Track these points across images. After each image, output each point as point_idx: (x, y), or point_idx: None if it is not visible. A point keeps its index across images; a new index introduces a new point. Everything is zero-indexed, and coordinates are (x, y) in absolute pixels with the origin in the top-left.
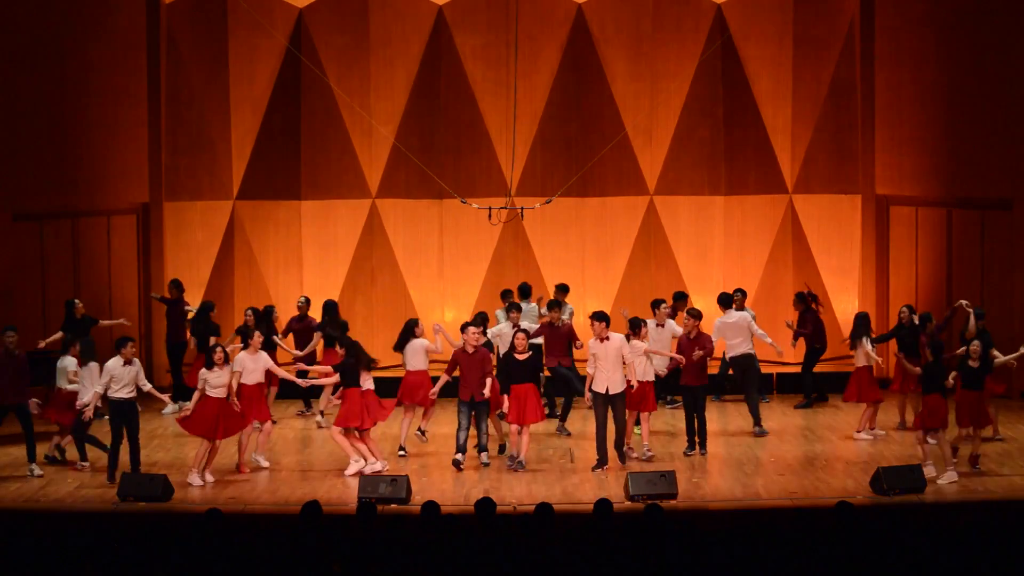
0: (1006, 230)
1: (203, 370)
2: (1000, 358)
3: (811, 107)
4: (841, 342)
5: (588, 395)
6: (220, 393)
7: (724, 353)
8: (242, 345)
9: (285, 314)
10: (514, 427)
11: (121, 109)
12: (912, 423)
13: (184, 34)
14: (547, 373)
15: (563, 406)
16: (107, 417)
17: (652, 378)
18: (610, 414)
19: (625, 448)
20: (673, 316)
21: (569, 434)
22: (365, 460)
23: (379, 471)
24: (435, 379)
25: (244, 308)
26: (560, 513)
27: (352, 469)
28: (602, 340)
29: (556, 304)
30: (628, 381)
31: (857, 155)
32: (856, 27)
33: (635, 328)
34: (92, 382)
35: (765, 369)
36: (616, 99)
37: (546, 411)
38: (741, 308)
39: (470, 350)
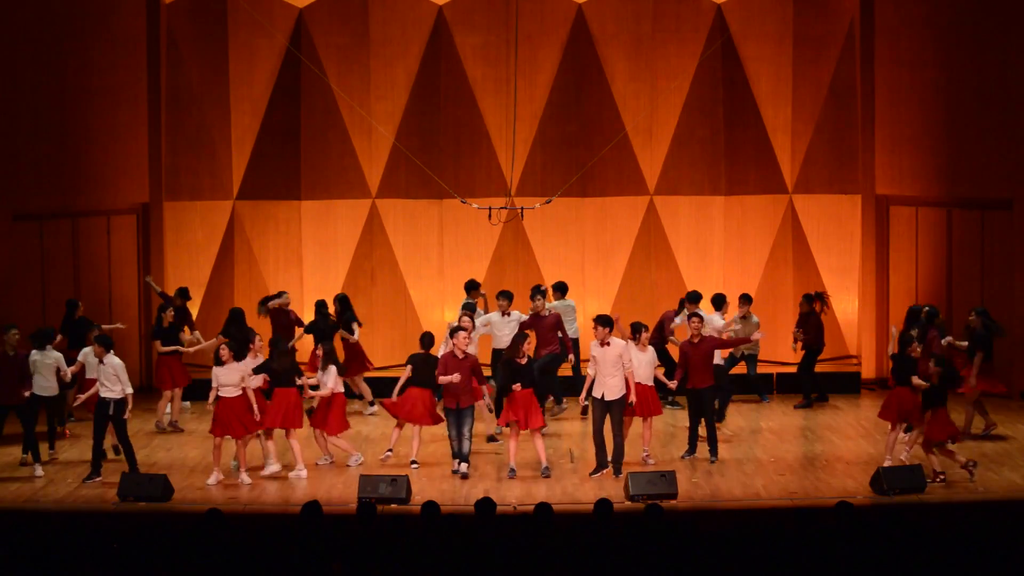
0: (1006, 230)
1: (214, 368)
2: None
3: (811, 107)
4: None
5: (582, 398)
6: (229, 392)
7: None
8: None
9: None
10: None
11: (121, 109)
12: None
13: (184, 34)
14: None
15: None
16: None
17: (652, 382)
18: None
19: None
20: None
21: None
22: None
23: (276, 472)
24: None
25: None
26: (560, 513)
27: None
28: (603, 344)
29: (538, 292)
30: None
31: (857, 155)
32: (856, 27)
33: (635, 333)
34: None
35: (766, 369)
36: (616, 99)
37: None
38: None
39: (459, 355)
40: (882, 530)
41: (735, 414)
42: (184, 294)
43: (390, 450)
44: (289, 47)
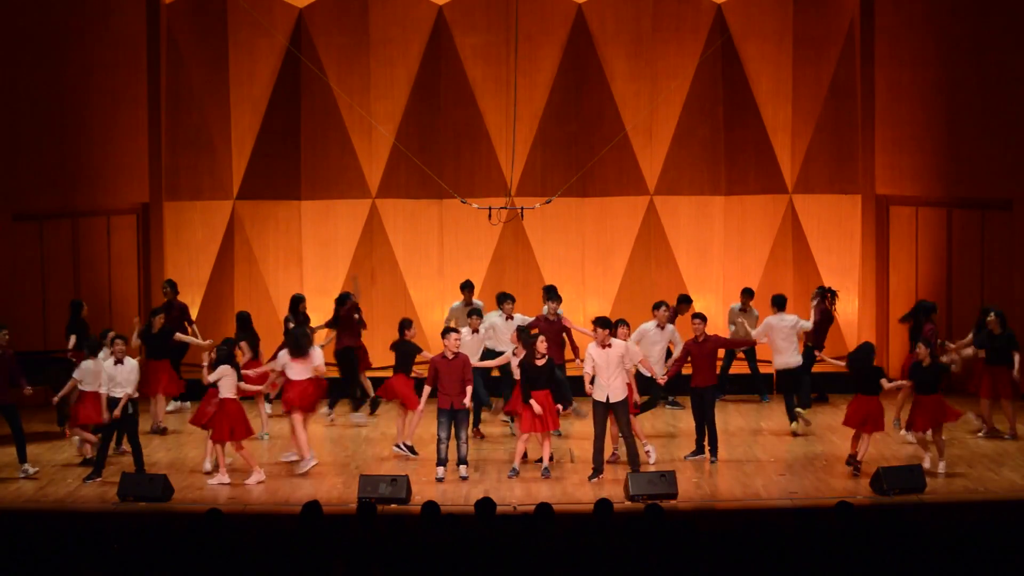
0: (1006, 230)
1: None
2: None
3: (811, 107)
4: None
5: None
6: (225, 392)
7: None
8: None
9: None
10: (523, 435)
11: (121, 109)
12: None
13: (184, 34)
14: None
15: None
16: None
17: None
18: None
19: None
20: (673, 319)
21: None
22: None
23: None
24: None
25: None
26: (560, 513)
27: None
28: (604, 347)
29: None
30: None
31: (857, 155)
32: (856, 27)
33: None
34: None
35: (766, 369)
36: (616, 99)
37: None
38: (745, 308)
39: (449, 355)
40: (882, 530)
41: (735, 414)
42: (172, 286)
43: (411, 448)
44: (289, 47)
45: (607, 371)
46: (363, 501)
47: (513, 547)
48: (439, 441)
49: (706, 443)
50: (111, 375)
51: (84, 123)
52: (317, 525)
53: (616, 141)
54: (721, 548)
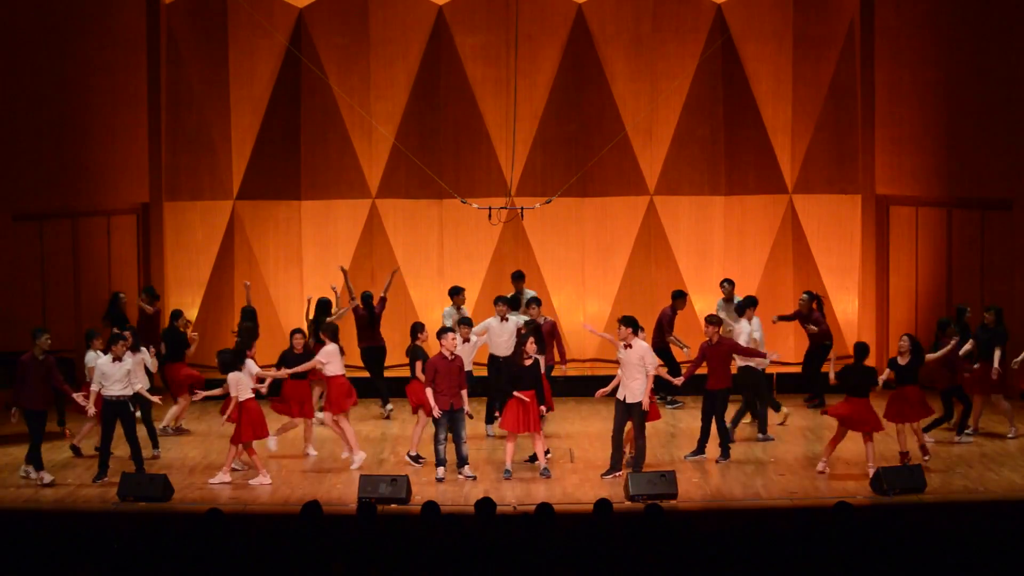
0: (1006, 230)
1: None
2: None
3: (811, 107)
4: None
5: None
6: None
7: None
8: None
9: (287, 315)
10: (511, 436)
11: (121, 109)
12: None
13: (184, 34)
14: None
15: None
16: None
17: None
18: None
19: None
20: (673, 316)
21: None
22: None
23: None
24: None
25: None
26: (560, 513)
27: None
28: (626, 347)
29: (535, 302)
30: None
31: (857, 155)
32: (856, 27)
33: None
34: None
35: (766, 370)
36: (616, 99)
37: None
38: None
39: (448, 356)
40: (882, 530)
41: (734, 414)
42: (151, 293)
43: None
44: (289, 47)
45: (628, 371)
46: (363, 501)
47: (513, 547)
48: (437, 442)
49: (711, 444)
50: (106, 373)
51: (84, 123)
52: (317, 525)
53: (616, 141)
54: (721, 548)
